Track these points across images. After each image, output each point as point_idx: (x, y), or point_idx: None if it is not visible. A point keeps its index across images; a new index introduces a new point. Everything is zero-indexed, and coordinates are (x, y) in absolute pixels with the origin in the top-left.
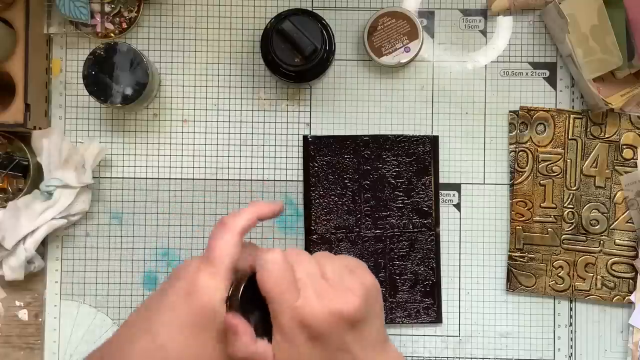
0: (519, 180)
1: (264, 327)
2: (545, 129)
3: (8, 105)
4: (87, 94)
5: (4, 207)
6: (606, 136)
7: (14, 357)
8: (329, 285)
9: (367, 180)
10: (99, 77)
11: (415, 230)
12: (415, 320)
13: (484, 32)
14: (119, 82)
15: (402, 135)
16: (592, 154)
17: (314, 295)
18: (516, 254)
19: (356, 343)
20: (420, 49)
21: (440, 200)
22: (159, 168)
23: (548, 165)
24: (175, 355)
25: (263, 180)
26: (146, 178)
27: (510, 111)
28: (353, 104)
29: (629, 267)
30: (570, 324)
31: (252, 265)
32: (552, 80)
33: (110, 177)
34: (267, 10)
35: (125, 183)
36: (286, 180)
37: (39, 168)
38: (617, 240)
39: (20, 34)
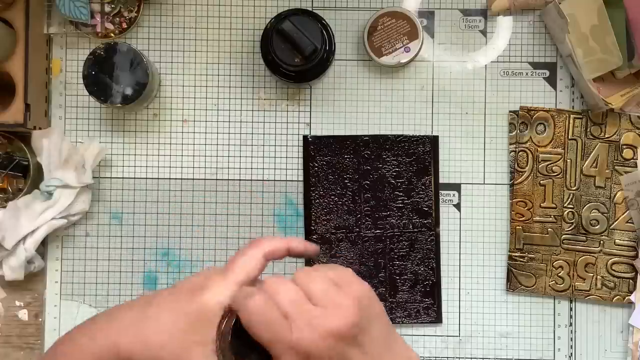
0: (519, 180)
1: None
2: (545, 129)
3: (8, 105)
4: (87, 94)
5: (4, 207)
6: (606, 136)
7: (14, 357)
8: (317, 307)
9: (367, 180)
10: (99, 77)
11: (415, 230)
12: (415, 320)
13: (484, 32)
14: (119, 82)
15: (402, 135)
16: (592, 154)
17: (305, 324)
18: (516, 254)
19: (361, 354)
20: (420, 49)
21: (440, 200)
22: (159, 168)
23: (548, 165)
24: (152, 331)
25: (263, 180)
26: (146, 178)
27: (510, 111)
28: (353, 104)
29: (629, 267)
30: (570, 324)
31: (232, 306)
32: (552, 80)
33: (110, 177)
34: (267, 10)
35: (125, 183)
36: (286, 180)
37: (39, 168)
38: (617, 240)
39: (20, 34)
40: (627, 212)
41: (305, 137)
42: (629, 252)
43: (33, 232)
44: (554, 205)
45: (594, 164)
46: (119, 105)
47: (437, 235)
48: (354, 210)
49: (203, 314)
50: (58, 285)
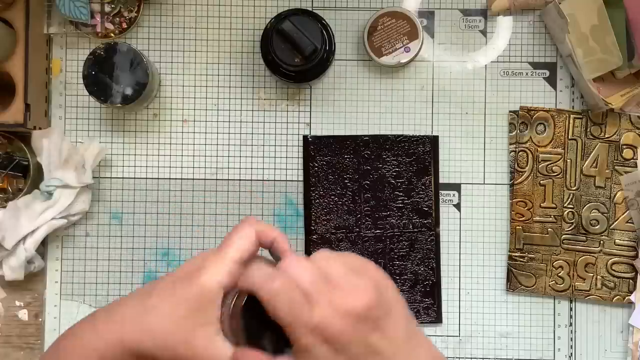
0: (519, 180)
1: (273, 341)
2: (545, 129)
3: (8, 105)
4: (87, 94)
5: (4, 207)
6: (606, 136)
7: (14, 357)
8: (336, 288)
9: (367, 180)
10: (99, 77)
11: (415, 230)
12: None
13: (484, 32)
14: (119, 82)
15: (402, 135)
16: (592, 154)
17: (325, 304)
18: (516, 254)
19: (384, 341)
20: (420, 49)
21: (440, 200)
22: (159, 168)
23: (548, 165)
24: (156, 321)
25: (263, 180)
26: (146, 178)
27: (510, 111)
28: (353, 104)
29: (629, 267)
30: (570, 324)
31: (248, 288)
32: (552, 80)
33: (110, 177)
34: (267, 10)
35: (125, 183)
36: (286, 180)
37: (39, 168)
38: (617, 240)
39: (20, 34)
40: (627, 212)
41: (305, 137)
42: (629, 252)
43: (33, 232)
44: (554, 205)
45: (594, 164)
46: (119, 105)
47: (437, 235)
48: (354, 210)
49: (203, 296)
50: (58, 285)
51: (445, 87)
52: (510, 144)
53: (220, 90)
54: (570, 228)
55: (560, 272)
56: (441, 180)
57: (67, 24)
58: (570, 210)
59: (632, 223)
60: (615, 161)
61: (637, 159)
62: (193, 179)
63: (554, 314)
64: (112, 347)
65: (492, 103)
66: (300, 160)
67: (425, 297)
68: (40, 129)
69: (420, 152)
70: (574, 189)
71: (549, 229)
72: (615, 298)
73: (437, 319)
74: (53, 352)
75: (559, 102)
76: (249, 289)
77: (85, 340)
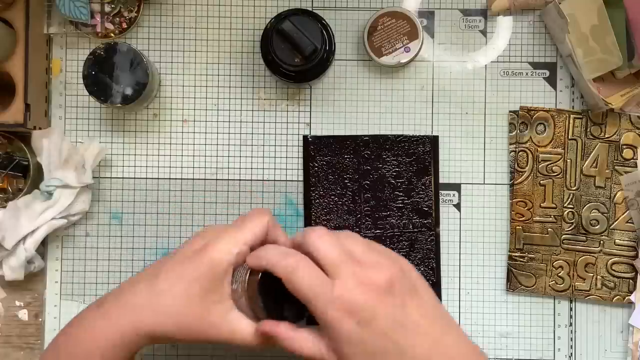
0: (519, 180)
1: (293, 314)
2: (545, 129)
3: (8, 105)
4: (87, 94)
5: (4, 207)
6: (606, 136)
7: (14, 357)
8: (359, 263)
9: (367, 180)
10: (99, 77)
11: (415, 230)
12: None
13: (484, 32)
14: (119, 82)
15: (402, 135)
16: (592, 154)
17: (349, 277)
18: (516, 254)
19: (410, 317)
20: (420, 49)
21: (440, 200)
22: (159, 168)
23: (548, 165)
24: (169, 304)
25: (263, 180)
26: (146, 178)
27: (510, 111)
28: (353, 104)
29: (629, 267)
30: (570, 324)
31: (263, 267)
32: (552, 80)
33: (110, 177)
34: (267, 10)
35: (125, 183)
36: (286, 180)
37: (39, 168)
38: (617, 240)
39: (20, 34)
40: (627, 212)
41: (305, 137)
42: (629, 252)
43: (33, 232)
44: (554, 205)
45: (594, 164)
46: (119, 105)
47: (437, 235)
48: (354, 210)
49: (214, 274)
50: (58, 285)
51: (445, 87)
52: (510, 144)
53: (220, 90)
54: (570, 228)
55: (560, 272)
56: (441, 180)
57: (67, 24)
58: (570, 210)
59: (632, 223)
60: (615, 161)
61: (637, 159)
62: (193, 179)
63: (554, 314)
64: (126, 334)
65: (492, 103)
66: (300, 160)
67: None
68: (40, 129)
69: (420, 152)
70: (574, 189)
71: (549, 229)
72: (615, 298)
73: None
74: (61, 341)
75: (559, 102)
76: (265, 267)
77: (96, 328)
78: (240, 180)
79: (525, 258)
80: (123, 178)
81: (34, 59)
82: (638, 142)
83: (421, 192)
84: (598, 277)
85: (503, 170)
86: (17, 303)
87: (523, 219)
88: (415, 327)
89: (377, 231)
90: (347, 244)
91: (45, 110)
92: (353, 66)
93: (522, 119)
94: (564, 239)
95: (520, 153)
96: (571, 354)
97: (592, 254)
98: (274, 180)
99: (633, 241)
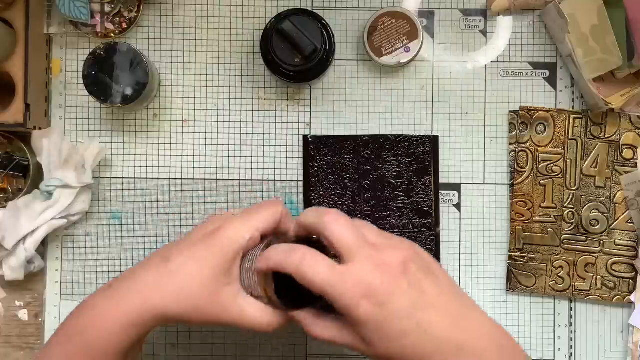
0: (519, 180)
1: (310, 300)
2: (545, 129)
3: (8, 105)
4: (87, 94)
5: (4, 207)
6: (606, 136)
7: (14, 357)
8: (374, 247)
9: (367, 180)
10: (99, 77)
11: (415, 230)
12: None
13: (484, 32)
14: (119, 82)
15: (402, 135)
16: (592, 154)
17: (364, 259)
18: (516, 254)
19: (427, 297)
20: (420, 49)
21: (440, 200)
22: (159, 168)
23: (548, 165)
24: (180, 284)
25: (263, 180)
26: (146, 178)
27: (510, 111)
28: (353, 104)
29: (629, 267)
30: (570, 324)
31: (270, 269)
32: (552, 80)
33: (110, 177)
34: (267, 10)
35: (125, 183)
36: (286, 180)
37: (39, 168)
38: (617, 240)
39: (20, 34)
40: (627, 212)
41: (305, 137)
42: (629, 252)
43: (33, 232)
44: (554, 205)
45: (594, 164)
46: (119, 105)
47: (437, 235)
48: (354, 210)
49: (225, 256)
50: (58, 285)
51: (445, 87)
52: (510, 144)
53: (220, 90)
54: (570, 228)
55: (560, 272)
56: (441, 180)
57: (67, 24)
58: (570, 210)
59: (632, 223)
60: (615, 161)
61: (637, 159)
62: (193, 179)
63: (554, 314)
64: (136, 314)
65: (492, 103)
66: (300, 160)
67: None
68: (40, 129)
69: (420, 152)
70: (574, 189)
71: (549, 229)
72: (615, 298)
73: None
74: (72, 325)
75: (559, 102)
76: (273, 268)
77: (105, 308)
78: (240, 180)
79: (525, 258)
80: (123, 178)
81: (34, 59)
82: (638, 142)
83: (421, 192)
84: (598, 277)
85: (503, 170)
86: (17, 303)
87: (523, 219)
88: (433, 306)
89: None
90: (363, 230)
91: (45, 110)
92: (353, 66)
93: (522, 119)
94: (564, 239)
95: (520, 153)
96: (571, 354)
97: (592, 254)
98: (274, 180)
99: (633, 241)
